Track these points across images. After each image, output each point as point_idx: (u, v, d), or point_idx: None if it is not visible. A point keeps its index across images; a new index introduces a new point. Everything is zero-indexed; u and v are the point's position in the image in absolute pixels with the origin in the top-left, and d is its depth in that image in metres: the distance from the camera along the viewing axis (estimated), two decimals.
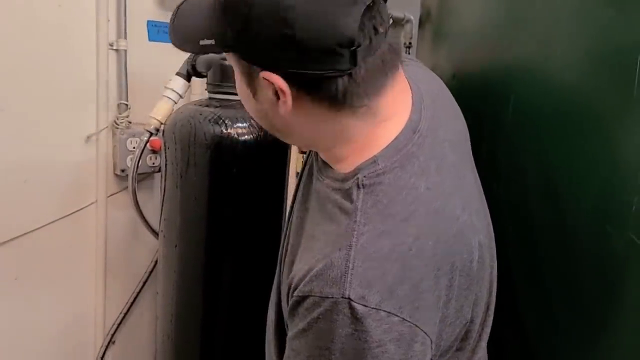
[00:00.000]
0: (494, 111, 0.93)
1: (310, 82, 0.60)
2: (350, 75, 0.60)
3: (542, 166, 0.84)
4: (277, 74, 0.59)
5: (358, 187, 0.63)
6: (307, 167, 0.77)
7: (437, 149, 0.68)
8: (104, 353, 1.47)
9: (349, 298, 0.57)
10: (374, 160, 0.64)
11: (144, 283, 1.50)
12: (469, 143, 0.81)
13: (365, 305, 0.57)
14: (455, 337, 0.68)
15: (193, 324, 1.19)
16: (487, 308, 0.76)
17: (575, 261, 0.81)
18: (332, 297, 0.58)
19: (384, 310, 0.58)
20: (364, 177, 0.63)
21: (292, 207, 0.80)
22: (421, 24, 1.33)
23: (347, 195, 0.63)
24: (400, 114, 0.67)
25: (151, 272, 1.49)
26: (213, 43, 0.60)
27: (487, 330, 0.78)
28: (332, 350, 0.58)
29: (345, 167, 0.66)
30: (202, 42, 0.61)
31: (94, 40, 1.32)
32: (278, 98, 0.61)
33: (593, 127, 0.78)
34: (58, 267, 1.38)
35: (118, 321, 1.48)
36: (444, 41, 1.17)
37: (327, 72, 0.59)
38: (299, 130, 0.66)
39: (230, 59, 0.65)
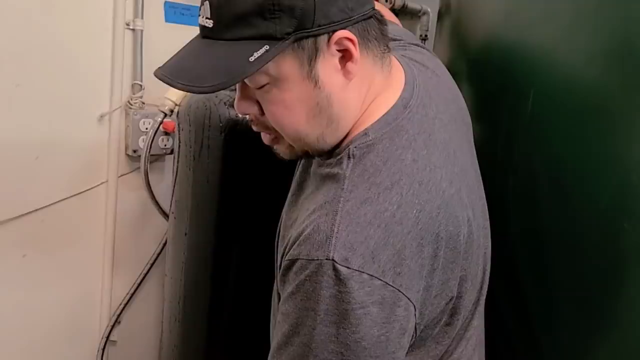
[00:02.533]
0: (513, 105, 0.92)
1: (363, 28, 0.65)
2: (374, 15, 0.66)
3: (561, 162, 0.83)
4: (346, 30, 0.62)
5: (349, 157, 0.66)
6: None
7: (426, 125, 0.70)
8: (110, 332, 1.48)
9: (333, 260, 0.60)
10: (365, 133, 0.67)
11: (152, 264, 1.50)
12: (468, 127, 0.83)
13: (348, 267, 0.60)
14: (441, 310, 0.70)
15: (201, 306, 1.19)
16: (481, 287, 0.78)
17: (591, 257, 0.80)
18: (318, 259, 0.60)
19: (367, 273, 0.60)
20: (355, 147, 0.66)
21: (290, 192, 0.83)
22: (440, 15, 1.32)
23: (338, 163, 0.66)
24: (394, 89, 0.70)
25: (159, 253, 1.49)
26: (267, 48, 0.59)
27: (481, 309, 0.79)
28: (318, 311, 0.61)
29: (344, 143, 0.69)
30: (252, 58, 0.59)
31: (111, 19, 1.31)
32: (343, 65, 0.64)
33: (615, 123, 0.77)
34: (66, 245, 1.38)
35: (125, 301, 1.48)
36: (463, 33, 1.16)
37: (369, 11, 0.65)
38: (351, 102, 0.67)
39: (279, 65, 0.62)
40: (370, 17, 0.66)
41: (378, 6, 1.13)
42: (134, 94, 1.36)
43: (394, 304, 0.62)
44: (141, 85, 1.36)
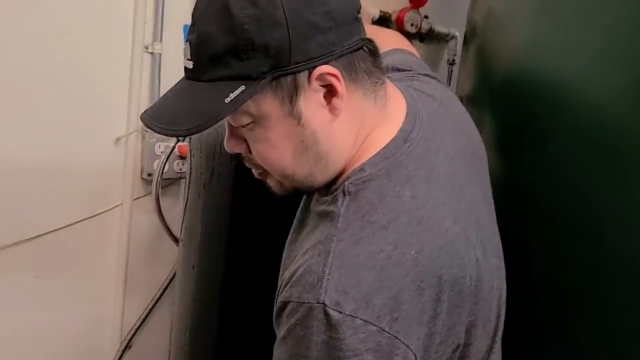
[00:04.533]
0: (537, 141, 0.86)
1: (349, 61, 0.62)
2: (364, 46, 0.63)
3: (588, 204, 0.77)
4: (328, 65, 0.60)
5: (344, 193, 0.62)
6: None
7: (428, 159, 0.66)
8: (120, 356, 1.45)
9: (324, 303, 0.56)
10: (361, 168, 0.64)
11: (164, 289, 1.47)
12: (481, 160, 0.78)
13: (340, 312, 0.56)
14: (447, 358, 0.65)
15: (207, 338, 1.16)
16: (495, 334, 0.73)
17: (620, 309, 0.74)
18: (308, 303, 0.57)
19: (360, 318, 0.56)
20: (350, 183, 0.63)
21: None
22: (466, 40, 1.27)
23: (334, 201, 0.63)
24: (393, 122, 0.67)
25: (172, 278, 1.46)
26: (243, 89, 0.58)
27: (495, 358, 0.74)
28: (309, 357, 0.57)
29: (340, 179, 0.66)
30: (228, 99, 0.58)
31: (130, 42, 1.31)
32: (329, 100, 0.62)
33: None
34: (79, 267, 1.37)
35: (136, 326, 1.46)
36: (488, 60, 1.11)
37: (357, 43, 0.62)
38: (340, 138, 0.64)
39: (259, 104, 0.61)
40: (359, 48, 0.63)
41: (389, 33, 1.10)
42: None
43: (391, 352, 0.58)
44: None
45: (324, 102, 0.62)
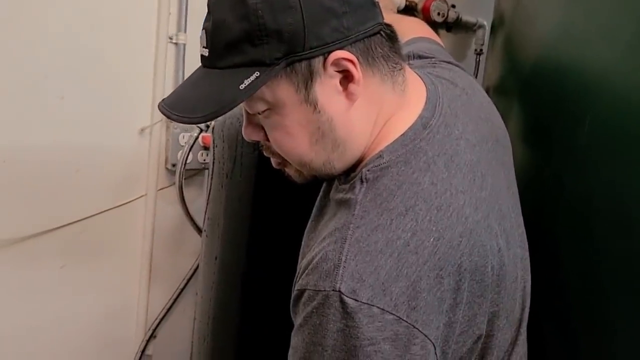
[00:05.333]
0: (566, 130, 0.84)
1: (366, 46, 0.61)
2: (381, 31, 0.62)
3: (617, 196, 0.74)
4: (343, 50, 0.59)
5: (361, 180, 0.62)
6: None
7: (449, 145, 0.64)
8: (145, 346, 1.47)
9: (340, 291, 0.56)
10: (379, 155, 0.63)
11: (188, 280, 1.48)
12: (505, 149, 0.76)
13: (356, 300, 0.55)
14: (468, 349, 0.64)
15: (229, 328, 1.16)
16: (519, 325, 0.72)
17: None
18: (324, 290, 0.56)
19: (377, 307, 0.56)
20: (368, 171, 0.62)
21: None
22: (493, 29, 1.24)
23: (352, 188, 0.62)
24: (412, 108, 0.65)
25: (196, 269, 1.47)
26: (258, 75, 0.58)
27: (520, 350, 0.72)
28: (325, 346, 0.57)
29: (359, 166, 0.65)
30: (243, 85, 0.58)
31: (154, 32, 1.31)
32: (345, 86, 0.61)
33: None
34: (105, 257, 1.38)
35: (161, 315, 1.47)
36: (516, 49, 1.08)
37: (374, 27, 0.61)
38: (358, 124, 0.64)
39: (274, 91, 0.60)
40: (376, 33, 0.62)
41: (413, 21, 1.08)
42: None
43: (409, 341, 0.57)
44: None
45: (340, 88, 0.61)
